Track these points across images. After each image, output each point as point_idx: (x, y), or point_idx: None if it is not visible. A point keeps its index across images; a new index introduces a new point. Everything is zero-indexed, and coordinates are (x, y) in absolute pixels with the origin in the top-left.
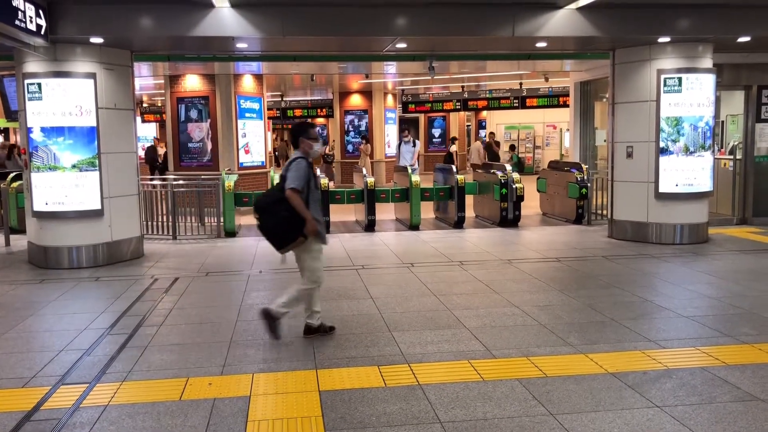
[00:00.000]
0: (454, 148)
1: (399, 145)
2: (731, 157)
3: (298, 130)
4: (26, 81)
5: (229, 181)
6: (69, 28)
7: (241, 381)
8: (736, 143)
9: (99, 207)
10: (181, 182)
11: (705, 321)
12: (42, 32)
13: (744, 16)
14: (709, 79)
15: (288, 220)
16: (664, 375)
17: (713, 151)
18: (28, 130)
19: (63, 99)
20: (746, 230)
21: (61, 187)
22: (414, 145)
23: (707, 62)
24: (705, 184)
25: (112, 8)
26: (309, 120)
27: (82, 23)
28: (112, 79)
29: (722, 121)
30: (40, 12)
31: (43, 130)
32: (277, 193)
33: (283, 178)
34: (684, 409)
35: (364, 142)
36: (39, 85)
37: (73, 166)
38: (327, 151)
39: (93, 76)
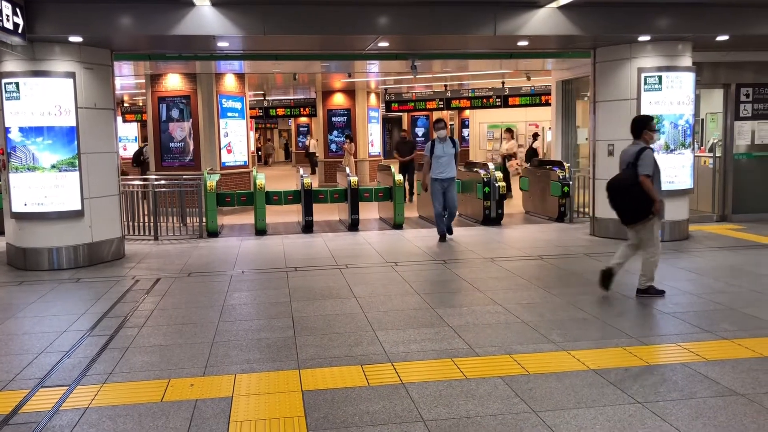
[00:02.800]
0: (537, 144)
1: (432, 145)
2: (711, 154)
3: (643, 122)
4: (3, 80)
5: (211, 180)
6: (47, 26)
7: (223, 382)
8: (715, 141)
9: (79, 207)
10: (162, 182)
11: (685, 317)
12: (19, 31)
13: (722, 15)
14: (689, 78)
15: (642, 201)
16: (645, 371)
17: (693, 149)
18: (6, 130)
19: (42, 98)
20: (726, 227)
21: (40, 187)
22: (454, 146)
23: (687, 61)
24: (685, 181)
25: (91, 7)
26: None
27: (61, 22)
28: (91, 79)
29: (702, 119)
30: (17, 10)
31: (21, 130)
32: (630, 178)
33: (631, 164)
34: (665, 405)
35: (348, 141)
36: (17, 84)
37: (53, 167)
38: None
39: (72, 75)
